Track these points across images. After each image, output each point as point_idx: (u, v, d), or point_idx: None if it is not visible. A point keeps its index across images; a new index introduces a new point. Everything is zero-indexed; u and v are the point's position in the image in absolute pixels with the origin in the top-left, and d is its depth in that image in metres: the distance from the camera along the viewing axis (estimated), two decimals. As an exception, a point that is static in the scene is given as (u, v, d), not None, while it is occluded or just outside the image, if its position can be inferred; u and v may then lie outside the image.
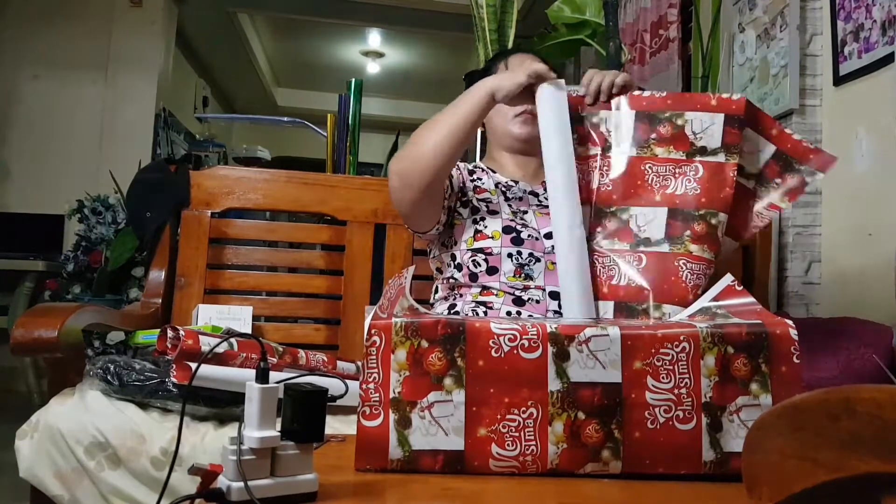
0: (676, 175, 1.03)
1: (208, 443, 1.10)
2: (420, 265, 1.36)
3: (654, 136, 1.04)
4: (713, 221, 1.01)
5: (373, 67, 6.75)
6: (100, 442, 1.10)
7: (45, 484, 1.10)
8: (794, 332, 0.80)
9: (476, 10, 2.11)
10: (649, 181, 1.03)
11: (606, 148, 1.05)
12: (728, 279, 0.92)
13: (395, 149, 2.85)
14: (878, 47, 1.77)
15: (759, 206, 1.06)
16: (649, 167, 1.04)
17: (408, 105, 7.46)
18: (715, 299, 0.90)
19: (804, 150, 1.05)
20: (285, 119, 2.38)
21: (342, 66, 6.71)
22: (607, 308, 1.00)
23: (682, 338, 0.78)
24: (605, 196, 1.04)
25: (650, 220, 1.02)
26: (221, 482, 0.61)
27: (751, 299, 0.88)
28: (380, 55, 6.56)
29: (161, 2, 4.25)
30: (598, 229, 1.03)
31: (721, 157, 1.02)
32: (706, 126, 1.03)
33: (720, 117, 1.03)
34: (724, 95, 1.05)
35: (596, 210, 1.04)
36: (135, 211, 2.76)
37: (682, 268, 1.00)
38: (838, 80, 1.93)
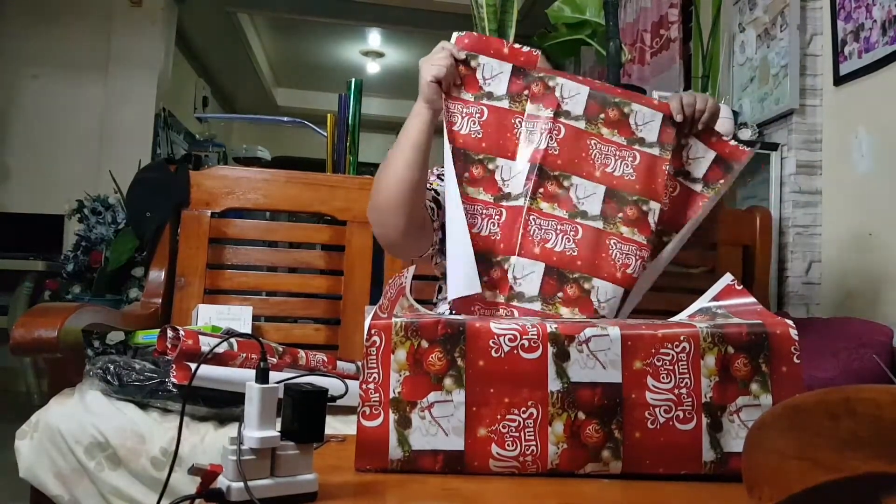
0: (616, 157, 1.07)
1: (208, 443, 1.10)
2: (420, 265, 1.35)
3: (602, 116, 1.08)
4: (644, 208, 1.05)
5: (373, 67, 6.75)
6: (100, 442, 1.10)
7: (45, 484, 1.10)
8: (794, 332, 0.80)
9: (476, 10, 2.11)
10: (593, 156, 1.07)
11: (558, 113, 1.07)
12: (728, 279, 0.92)
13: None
14: (878, 47, 1.77)
15: (705, 205, 1.11)
16: (594, 143, 1.07)
17: (408, 105, 7.35)
18: (715, 299, 0.90)
19: (738, 153, 1.12)
20: (285, 119, 2.38)
21: (342, 66, 6.71)
22: (537, 268, 1.02)
23: (682, 338, 0.78)
24: (552, 159, 1.06)
25: (589, 195, 1.05)
26: (221, 482, 0.61)
27: (751, 299, 0.88)
28: (380, 55, 6.56)
29: (161, 2, 4.25)
30: (540, 190, 1.05)
31: (655, 151, 1.07)
32: (647, 120, 1.08)
33: (659, 116, 1.08)
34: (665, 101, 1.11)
35: (540, 170, 1.05)
36: (135, 211, 2.75)
37: (612, 246, 1.04)
38: (838, 80, 1.92)
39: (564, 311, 1.01)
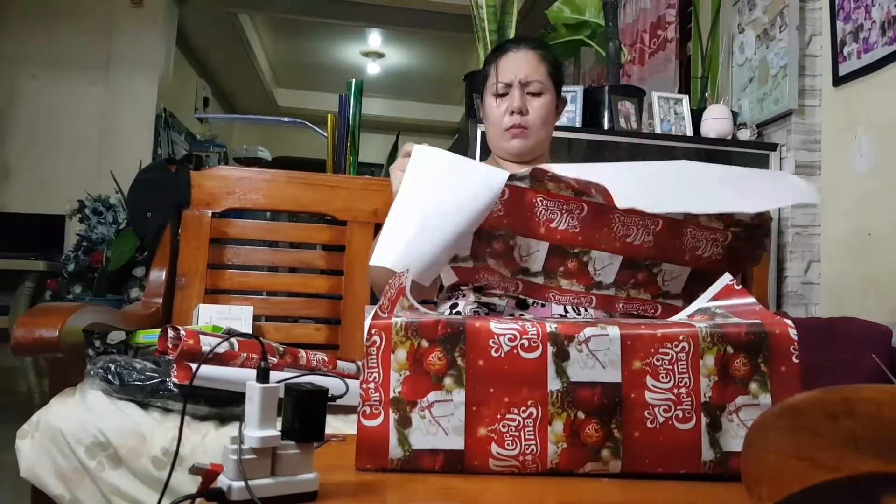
0: (563, 211, 1.04)
1: (209, 442, 1.10)
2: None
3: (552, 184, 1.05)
4: (584, 259, 1.05)
5: (373, 68, 6.76)
6: (101, 442, 1.10)
7: (46, 484, 1.10)
8: (793, 332, 0.80)
9: (476, 11, 2.11)
10: (538, 214, 1.04)
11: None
12: (727, 279, 0.92)
13: (395, 150, 2.85)
14: (877, 48, 1.77)
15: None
16: (540, 200, 1.04)
17: (408, 105, 7.46)
18: (714, 299, 0.90)
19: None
20: (286, 119, 2.38)
21: (342, 66, 6.72)
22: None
23: (681, 337, 0.78)
24: (496, 221, 1.03)
25: (532, 252, 1.05)
26: (222, 482, 0.62)
27: (750, 299, 0.88)
28: (380, 55, 6.57)
29: (161, 2, 4.25)
30: (488, 250, 1.05)
31: (600, 199, 1.03)
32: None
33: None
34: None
35: (486, 234, 1.04)
36: (135, 211, 2.75)
37: (551, 299, 1.06)
38: (838, 81, 1.93)
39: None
